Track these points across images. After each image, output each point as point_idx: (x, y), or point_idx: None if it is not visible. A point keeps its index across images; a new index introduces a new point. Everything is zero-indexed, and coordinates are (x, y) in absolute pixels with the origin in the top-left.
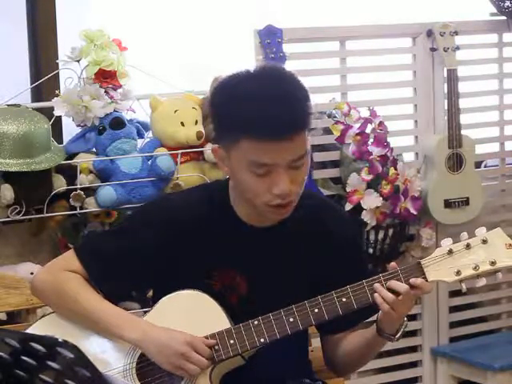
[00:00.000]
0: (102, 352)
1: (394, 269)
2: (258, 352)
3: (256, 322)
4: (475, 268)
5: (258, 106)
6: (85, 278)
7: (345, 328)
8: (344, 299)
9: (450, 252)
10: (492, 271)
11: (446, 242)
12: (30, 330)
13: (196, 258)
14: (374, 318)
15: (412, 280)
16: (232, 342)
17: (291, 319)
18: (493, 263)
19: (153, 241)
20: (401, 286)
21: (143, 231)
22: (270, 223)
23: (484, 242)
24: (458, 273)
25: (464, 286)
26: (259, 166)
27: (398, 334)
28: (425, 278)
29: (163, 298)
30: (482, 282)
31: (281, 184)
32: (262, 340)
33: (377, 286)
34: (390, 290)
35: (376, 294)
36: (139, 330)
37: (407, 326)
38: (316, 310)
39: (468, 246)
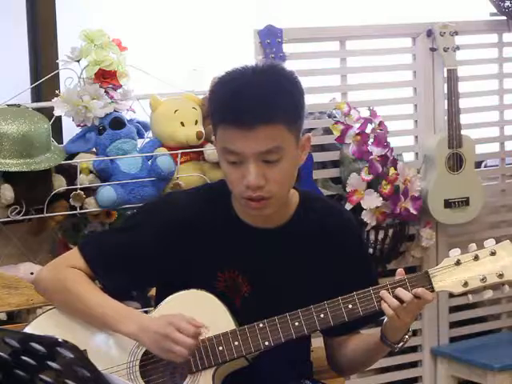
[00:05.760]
0: (105, 350)
1: (401, 276)
2: (259, 353)
3: (261, 325)
4: (482, 280)
5: (234, 93)
6: (88, 274)
7: (347, 332)
8: (350, 306)
9: (458, 263)
10: (499, 284)
11: (454, 253)
12: (30, 328)
13: (198, 259)
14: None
15: (414, 290)
16: (236, 343)
17: (297, 323)
18: (500, 276)
19: (154, 240)
20: (405, 295)
21: (145, 230)
22: (271, 224)
23: (492, 254)
24: (466, 284)
25: (471, 297)
26: (229, 153)
27: (400, 344)
28: (432, 287)
29: (169, 297)
30: (489, 293)
31: (248, 175)
32: (267, 343)
33: (383, 292)
34: (395, 297)
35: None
36: (136, 323)
37: (408, 339)
38: (322, 316)
39: (476, 258)
